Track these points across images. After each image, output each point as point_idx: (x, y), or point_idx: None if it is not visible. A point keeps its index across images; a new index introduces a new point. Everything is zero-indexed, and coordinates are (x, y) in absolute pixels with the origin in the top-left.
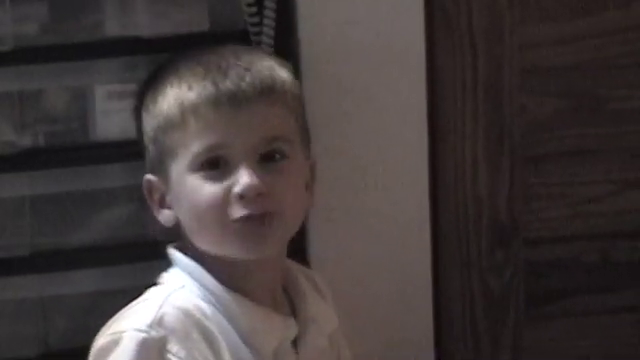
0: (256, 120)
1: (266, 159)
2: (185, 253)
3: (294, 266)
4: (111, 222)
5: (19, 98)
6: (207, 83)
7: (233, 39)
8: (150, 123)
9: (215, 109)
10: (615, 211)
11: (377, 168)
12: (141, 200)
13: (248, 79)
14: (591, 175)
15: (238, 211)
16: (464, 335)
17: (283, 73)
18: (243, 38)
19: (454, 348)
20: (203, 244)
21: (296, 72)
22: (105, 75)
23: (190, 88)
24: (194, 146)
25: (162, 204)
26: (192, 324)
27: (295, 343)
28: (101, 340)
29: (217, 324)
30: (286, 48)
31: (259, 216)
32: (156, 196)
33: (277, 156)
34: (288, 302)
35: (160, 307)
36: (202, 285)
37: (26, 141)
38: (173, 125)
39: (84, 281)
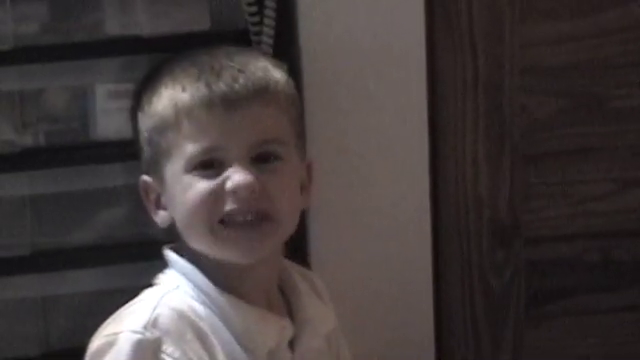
0: (250, 122)
1: (260, 160)
2: (181, 254)
3: (291, 266)
4: (111, 221)
5: (19, 97)
6: (200, 85)
7: (233, 38)
8: (145, 124)
9: (208, 111)
10: (616, 210)
11: (378, 168)
12: (141, 199)
13: (241, 80)
14: (592, 174)
15: (231, 206)
16: (465, 334)
17: (277, 74)
18: (244, 38)
19: (454, 347)
20: (197, 245)
21: (297, 72)
22: (105, 74)
23: (184, 89)
24: (188, 148)
25: (158, 205)
26: (186, 325)
27: (291, 344)
28: (96, 342)
29: (211, 325)
30: (286, 47)
31: (250, 222)
32: (152, 197)
33: (271, 157)
34: (285, 303)
35: (154, 308)
36: (196, 286)
37: (26, 140)
38: (167, 126)
39: (84, 280)
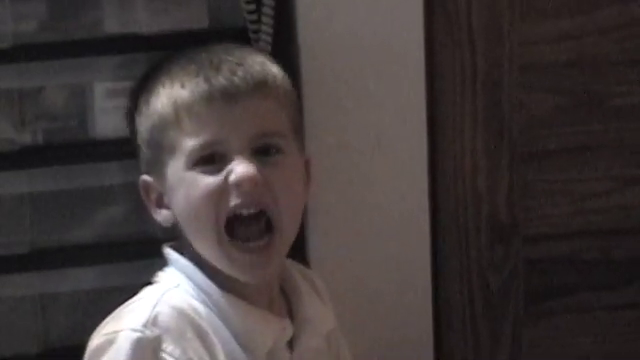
0: (250, 114)
1: (261, 153)
2: (181, 252)
3: (292, 265)
4: (110, 219)
5: (18, 96)
6: (200, 80)
7: (232, 36)
8: (144, 124)
9: (208, 105)
10: (615, 208)
11: (376, 165)
12: (140, 198)
13: (240, 73)
14: (591, 172)
15: (235, 200)
16: (464, 332)
17: (274, 68)
18: (242, 35)
19: (454, 345)
20: (202, 251)
21: (295, 69)
22: (104, 72)
23: (183, 86)
24: (189, 144)
25: (159, 204)
26: (186, 323)
27: (291, 344)
28: (96, 340)
29: (211, 324)
30: (285, 45)
31: (258, 246)
32: (153, 196)
33: (272, 150)
34: (285, 302)
35: (154, 306)
36: (196, 285)
37: (25, 138)
38: (167, 124)
39: (83, 278)
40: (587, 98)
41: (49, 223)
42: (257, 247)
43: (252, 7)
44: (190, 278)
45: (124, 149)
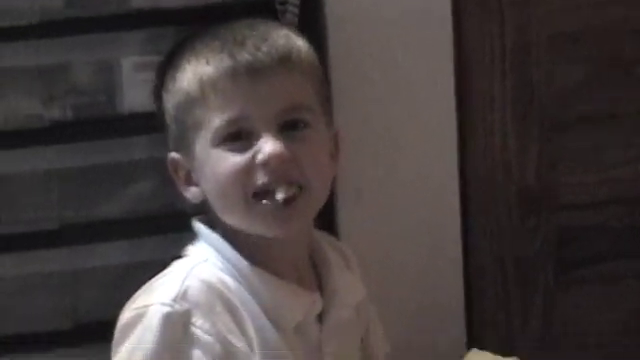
0: (275, 89)
1: (288, 128)
2: (211, 226)
3: (322, 238)
4: (139, 194)
5: (46, 72)
6: (224, 56)
7: (259, 9)
8: (171, 101)
9: (234, 81)
10: None
11: (405, 137)
12: (168, 171)
13: (265, 48)
14: (620, 140)
15: (262, 178)
16: (495, 301)
17: (299, 42)
18: (269, 8)
19: (485, 314)
20: (229, 218)
21: (322, 40)
22: (131, 47)
23: (208, 62)
24: (215, 120)
25: (188, 181)
26: (216, 297)
27: (320, 317)
28: (126, 314)
29: (240, 298)
30: (312, 16)
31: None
32: (182, 173)
33: (300, 124)
34: (315, 275)
35: (184, 280)
36: (226, 259)
37: (54, 114)
38: (194, 101)
39: (112, 254)
40: (615, 67)
41: (78, 199)
42: (284, 200)
43: None
44: (219, 252)
45: (152, 123)
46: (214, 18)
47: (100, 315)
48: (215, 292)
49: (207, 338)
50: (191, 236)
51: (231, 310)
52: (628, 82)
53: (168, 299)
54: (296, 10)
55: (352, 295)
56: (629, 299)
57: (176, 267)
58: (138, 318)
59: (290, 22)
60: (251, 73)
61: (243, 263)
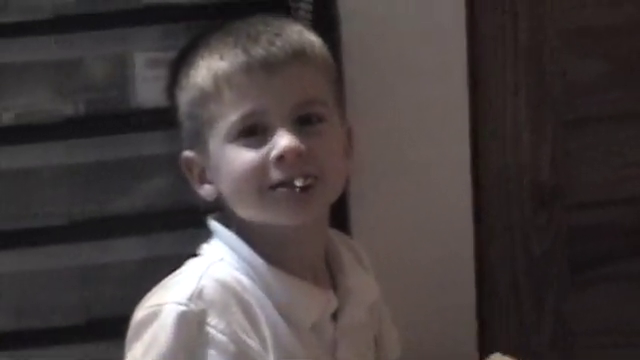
0: (289, 83)
1: (303, 122)
2: (225, 224)
3: (336, 237)
4: (152, 190)
5: (59, 67)
6: (238, 51)
7: (272, 6)
8: (184, 98)
9: (248, 76)
10: None
11: (417, 133)
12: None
13: (279, 43)
14: (634, 138)
15: (278, 175)
16: (507, 300)
17: (312, 37)
18: (282, 5)
19: (496, 313)
20: (244, 213)
21: (335, 37)
22: (144, 42)
23: (222, 58)
24: (230, 116)
25: (202, 179)
26: (231, 296)
27: (334, 315)
28: (140, 313)
29: (255, 297)
30: (325, 16)
31: (300, 187)
32: (196, 171)
33: (314, 119)
34: (329, 274)
35: (199, 280)
36: (241, 257)
37: (67, 109)
38: (208, 97)
39: (126, 249)
40: (630, 63)
41: (91, 194)
42: (301, 187)
43: None
44: (235, 250)
45: (165, 119)
46: (227, 15)
47: (113, 311)
48: (230, 292)
49: (222, 338)
50: (205, 232)
51: (246, 310)
52: None
53: (184, 298)
54: (310, 7)
55: (366, 294)
56: None
57: (191, 266)
58: (153, 316)
59: (303, 19)
60: (265, 68)
61: (259, 261)
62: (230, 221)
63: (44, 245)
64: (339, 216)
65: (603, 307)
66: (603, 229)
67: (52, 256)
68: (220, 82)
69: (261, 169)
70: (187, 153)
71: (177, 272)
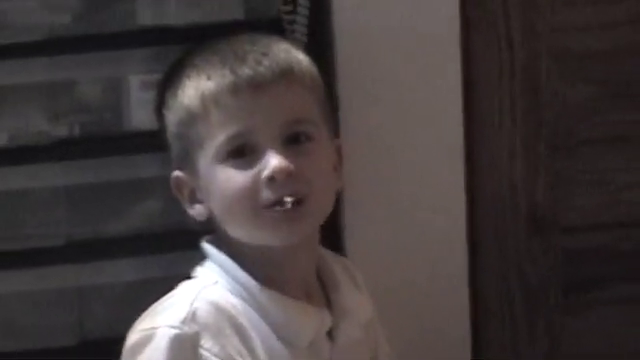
0: (277, 103)
1: (291, 142)
2: (218, 246)
3: (329, 255)
4: (146, 212)
5: (53, 88)
6: (225, 71)
7: (266, 27)
8: (172, 119)
9: (236, 96)
10: None
11: (411, 153)
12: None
13: (266, 63)
14: (628, 162)
15: (269, 195)
16: (501, 324)
17: (299, 55)
18: (277, 26)
19: (491, 337)
20: (235, 232)
21: (330, 57)
22: (138, 65)
23: (209, 78)
24: (219, 136)
25: (193, 199)
26: (225, 319)
27: (330, 333)
28: (134, 336)
29: (249, 319)
30: (320, 35)
31: (291, 203)
32: (186, 192)
33: (302, 138)
34: (323, 293)
35: (192, 303)
36: (234, 279)
37: (60, 131)
38: (196, 117)
39: (120, 271)
40: (624, 88)
41: (85, 215)
42: (292, 203)
43: None
44: (228, 273)
45: (159, 141)
46: (221, 36)
47: (106, 332)
48: (224, 314)
49: None
50: (199, 255)
51: (240, 332)
52: (637, 104)
53: (177, 321)
54: (304, 29)
55: (361, 313)
56: (636, 323)
57: (184, 288)
58: (147, 340)
59: (299, 41)
60: (253, 87)
61: (252, 283)
62: (222, 241)
63: (37, 266)
64: (333, 237)
65: (597, 331)
66: (597, 253)
67: (45, 277)
68: (207, 102)
69: (253, 190)
70: (177, 173)
71: (170, 294)
